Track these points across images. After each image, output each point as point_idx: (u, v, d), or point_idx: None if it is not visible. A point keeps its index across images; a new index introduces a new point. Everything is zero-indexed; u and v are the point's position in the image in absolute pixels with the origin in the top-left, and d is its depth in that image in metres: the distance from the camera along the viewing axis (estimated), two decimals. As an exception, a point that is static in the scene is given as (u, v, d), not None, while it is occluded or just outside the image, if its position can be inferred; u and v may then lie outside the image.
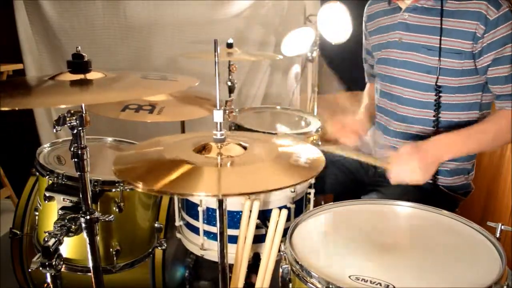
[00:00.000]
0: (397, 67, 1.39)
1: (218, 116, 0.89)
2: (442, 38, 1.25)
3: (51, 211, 1.25)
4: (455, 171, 1.39)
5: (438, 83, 1.29)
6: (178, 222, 1.40)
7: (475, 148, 1.29)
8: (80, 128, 0.90)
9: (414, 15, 1.32)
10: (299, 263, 0.85)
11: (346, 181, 1.58)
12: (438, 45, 1.26)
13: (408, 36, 1.34)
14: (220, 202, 0.93)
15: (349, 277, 0.81)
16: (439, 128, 1.34)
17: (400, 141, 1.42)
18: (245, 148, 0.95)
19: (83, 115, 0.89)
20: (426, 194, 1.39)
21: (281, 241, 1.07)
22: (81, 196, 0.96)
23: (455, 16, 1.24)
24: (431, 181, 1.39)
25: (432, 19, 1.28)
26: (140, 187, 0.77)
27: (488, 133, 1.24)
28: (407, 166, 1.17)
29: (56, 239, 0.97)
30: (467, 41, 1.22)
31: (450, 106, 1.32)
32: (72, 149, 0.92)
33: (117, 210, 1.27)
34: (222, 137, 0.91)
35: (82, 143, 0.92)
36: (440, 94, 1.31)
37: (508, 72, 1.20)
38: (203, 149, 0.93)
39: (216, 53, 0.88)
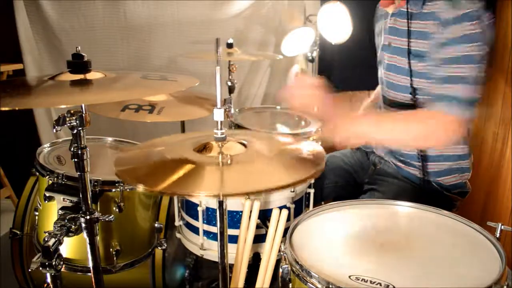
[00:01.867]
0: (387, 71, 1.42)
1: (218, 114, 0.89)
2: (416, 40, 1.26)
3: (51, 211, 1.25)
4: (449, 170, 1.39)
5: (416, 86, 1.29)
6: (178, 222, 1.40)
7: (384, 139, 1.28)
8: (80, 128, 0.90)
9: (400, 20, 1.34)
10: (299, 263, 0.85)
11: (345, 185, 1.59)
12: (420, 49, 1.26)
13: (395, 41, 1.36)
14: (220, 202, 0.93)
15: (349, 277, 0.81)
16: None
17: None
18: (245, 146, 0.94)
19: (83, 115, 0.89)
20: (422, 191, 1.40)
21: (281, 241, 1.07)
22: (81, 196, 0.96)
23: (427, 18, 1.23)
24: (424, 178, 1.40)
25: (415, 23, 1.28)
26: (142, 188, 0.77)
27: (400, 126, 1.21)
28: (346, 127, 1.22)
29: (56, 239, 0.97)
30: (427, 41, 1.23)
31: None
32: (72, 149, 0.92)
33: (117, 210, 1.27)
34: (223, 135, 0.91)
35: (82, 143, 0.92)
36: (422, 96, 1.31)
37: (453, 73, 1.16)
38: (204, 148, 0.93)
39: (217, 52, 0.88)
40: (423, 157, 1.37)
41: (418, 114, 1.23)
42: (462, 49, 1.14)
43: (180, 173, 0.81)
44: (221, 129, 0.90)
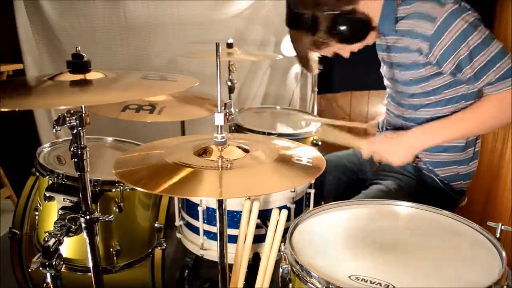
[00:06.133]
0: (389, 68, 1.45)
1: (219, 119, 0.90)
2: (403, 54, 1.32)
3: (51, 211, 1.25)
4: (447, 162, 1.40)
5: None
6: (178, 222, 1.40)
7: (458, 134, 1.32)
8: (79, 128, 0.90)
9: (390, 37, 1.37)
10: (299, 263, 0.85)
11: (348, 182, 1.59)
12: (404, 61, 1.33)
13: (387, 56, 1.41)
14: (220, 202, 0.93)
15: (349, 277, 0.81)
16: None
17: None
18: (245, 150, 0.95)
19: (83, 115, 0.89)
20: (423, 187, 1.42)
21: (281, 241, 1.07)
22: (81, 196, 0.96)
23: (405, 35, 1.28)
24: (417, 165, 1.42)
25: (397, 39, 1.32)
26: (141, 191, 0.77)
27: (471, 119, 1.27)
28: (386, 148, 1.33)
29: (56, 239, 0.97)
30: (417, 57, 1.27)
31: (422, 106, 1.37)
32: (72, 149, 0.92)
33: (117, 210, 1.27)
34: (223, 140, 0.91)
35: (82, 143, 0.92)
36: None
37: (474, 71, 1.20)
38: (204, 152, 0.93)
39: (217, 57, 0.88)
40: None
41: (473, 106, 1.29)
42: (469, 44, 1.17)
43: (179, 176, 0.81)
44: (221, 133, 0.91)
